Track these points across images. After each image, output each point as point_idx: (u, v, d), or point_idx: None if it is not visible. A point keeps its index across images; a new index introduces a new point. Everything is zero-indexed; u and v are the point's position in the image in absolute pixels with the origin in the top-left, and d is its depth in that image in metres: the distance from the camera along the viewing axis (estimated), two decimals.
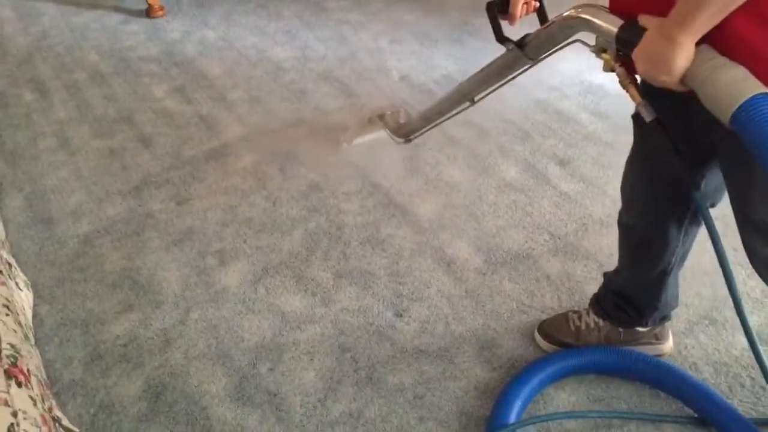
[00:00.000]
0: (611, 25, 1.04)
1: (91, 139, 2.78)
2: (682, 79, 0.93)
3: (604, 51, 1.10)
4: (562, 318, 1.75)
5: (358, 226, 2.21)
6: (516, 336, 1.79)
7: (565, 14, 1.17)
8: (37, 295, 2.00)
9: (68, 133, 2.83)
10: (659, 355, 1.69)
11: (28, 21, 4.01)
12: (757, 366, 1.65)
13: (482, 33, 3.45)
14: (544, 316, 1.83)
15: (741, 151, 0.92)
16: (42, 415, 1.29)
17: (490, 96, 1.65)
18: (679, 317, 1.81)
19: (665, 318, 1.66)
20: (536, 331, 1.77)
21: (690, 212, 1.40)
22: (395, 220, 2.22)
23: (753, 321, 1.77)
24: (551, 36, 1.27)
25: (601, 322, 1.68)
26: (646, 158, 1.37)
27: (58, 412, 1.54)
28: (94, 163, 2.62)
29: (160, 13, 3.91)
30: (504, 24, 1.42)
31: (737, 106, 0.85)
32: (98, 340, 1.86)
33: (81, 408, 1.67)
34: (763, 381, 1.63)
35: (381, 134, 2.50)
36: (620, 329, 1.67)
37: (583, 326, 1.70)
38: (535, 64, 1.40)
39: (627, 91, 1.08)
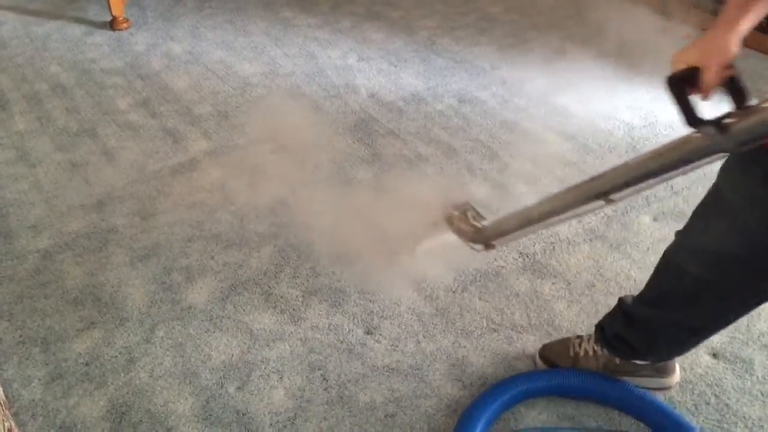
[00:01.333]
0: None
1: (53, 151, 2.71)
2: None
3: None
4: (564, 343, 1.73)
5: (327, 242, 2.19)
6: (487, 354, 1.79)
7: None
8: None
9: (28, 145, 2.75)
10: (663, 389, 1.66)
11: None
12: (721, 384, 1.69)
13: (449, 53, 3.49)
14: (513, 334, 1.85)
15: None
16: None
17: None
18: None
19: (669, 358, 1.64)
20: (537, 354, 1.76)
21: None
22: (365, 237, 2.20)
23: (716, 339, 1.81)
24: None
25: (599, 351, 1.65)
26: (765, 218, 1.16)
27: None
28: (55, 177, 2.55)
29: (125, 25, 3.85)
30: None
31: None
32: (59, 358, 1.80)
33: (41, 429, 1.61)
34: (726, 399, 1.67)
35: (451, 238, 1.90)
36: (617, 360, 1.63)
37: (582, 353, 1.67)
38: (727, 155, 1.08)
39: None
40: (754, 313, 1.68)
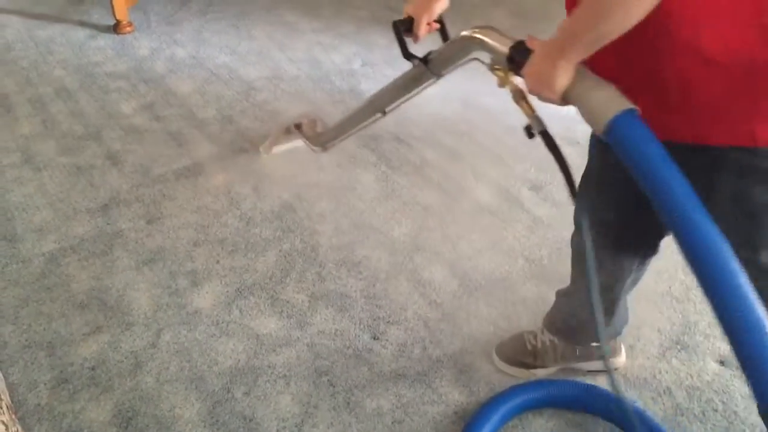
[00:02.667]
0: (503, 45, 1.14)
1: (57, 155, 2.71)
2: (563, 96, 1.03)
3: (498, 69, 1.17)
4: (518, 339, 1.77)
5: (333, 247, 2.19)
6: (494, 360, 1.79)
7: (462, 34, 1.28)
8: (1, 315, 1.93)
9: (33, 148, 2.75)
10: (614, 369, 1.74)
11: None
12: (728, 391, 1.69)
13: None
14: None
15: (702, 182, 0.96)
16: None
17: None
18: (652, 342, 1.84)
19: (616, 334, 1.72)
20: (494, 353, 1.78)
21: (651, 245, 1.44)
22: (370, 242, 2.21)
23: (723, 346, 1.80)
24: (452, 54, 1.40)
25: (556, 340, 1.71)
26: (613, 185, 1.34)
27: None
28: (60, 180, 2.55)
29: (128, 29, 3.85)
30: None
31: (608, 121, 0.95)
32: (65, 362, 1.80)
33: None
34: (734, 405, 1.67)
35: (299, 143, 2.61)
36: (575, 347, 1.70)
37: (539, 345, 1.73)
38: (439, 79, 1.54)
39: (519, 106, 1.14)
40: None
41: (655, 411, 1.64)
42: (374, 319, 1.92)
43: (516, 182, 2.50)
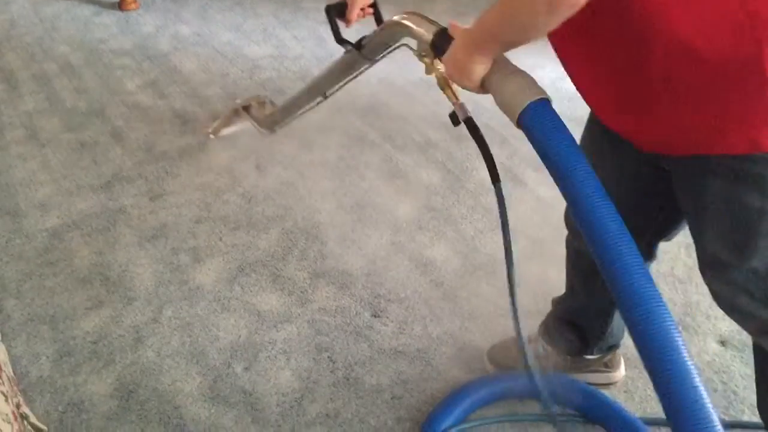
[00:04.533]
0: (427, 32, 1.13)
1: (61, 131, 2.71)
2: (482, 85, 1.03)
3: (425, 56, 1.17)
4: (512, 342, 1.68)
5: (335, 225, 2.19)
6: (494, 338, 1.79)
7: (392, 19, 1.27)
8: (3, 290, 1.94)
9: (37, 124, 2.76)
10: (609, 384, 1.65)
11: None
12: (728, 371, 1.69)
13: None
14: (523, 319, 1.84)
15: (694, 188, 0.96)
16: (13, 412, 1.25)
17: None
18: None
19: (613, 347, 1.63)
20: (485, 356, 1.73)
21: (645, 243, 1.35)
22: (373, 221, 2.21)
23: (724, 327, 1.80)
24: (383, 39, 1.40)
25: (549, 349, 1.64)
26: (605, 179, 1.31)
27: (25, 409, 1.49)
28: (64, 156, 2.55)
29: (133, 5, 3.84)
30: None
31: (521, 110, 0.96)
32: (67, 336, 1.81)
33: (49, 405, 1.62)
34: (734, 386, 1.66)
35: (247, 125, 2.54)
36: (568, 357, 1.63)
37: (532, 351, 1.64)
38: (373, 64, 1.54)
39: (444, 93, 1.15)
40: None
41: (654, 391, 1.64)
42: (375, 297, 1.93)
43: (520, 163, 2.49)
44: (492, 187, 1.10)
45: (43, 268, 2.03)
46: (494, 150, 1.14)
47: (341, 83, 1.76)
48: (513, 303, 1.13)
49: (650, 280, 0.82)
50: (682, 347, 0.78)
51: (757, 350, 1.24)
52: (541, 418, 1.58)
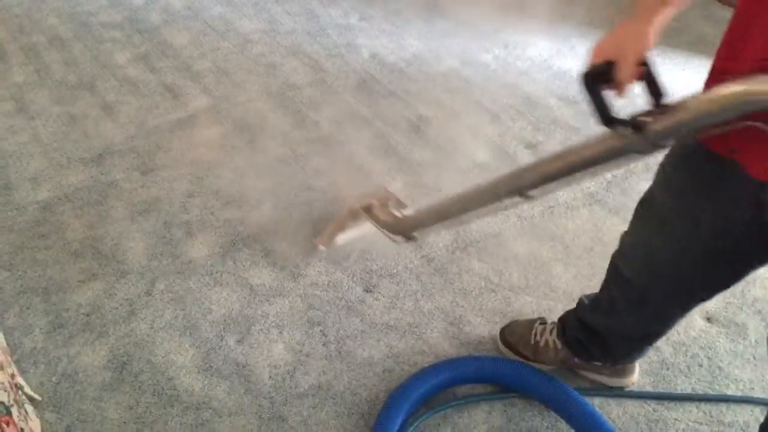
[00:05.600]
0: None
1: (51, 104, 2.69)
2: None
3: None
4: (527, 326, 1.69)
5: (327, 201, 2.20)
6: (484, 313, 1.82)
7: (735, 88, 0.80)
8: None
9: (27, 97, 2.73)
10: (619, 388, 1.64)
11: None
12: (714, 347, 1.72)
13: (452, 14, 3.45)
14: (511, 295, 1.87)
15: None
16: (8, 382, 1.26)
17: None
18: None
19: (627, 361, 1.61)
20: (498, 334, 1.73)
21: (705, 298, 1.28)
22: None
23: (710, 304, 1.83)
24: (700, 118, 0.86)
25: (560, 345, 1.62)
26: (693, 224, 1.10)
27: (20, 380, 1.51)
28: (54, 130, 2.53)
29: None
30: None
31: None
32: (60, 308, 1.81)
33: (43, 376, 1.63)
34: (719, 361, 1.70)
35: (369, 229, 1.93)
36: (576, 358, 1.61)
37: (543, 343, 1.64)
38: (654, 153, 0.98)
39: None
40: (750, 279, 1.70)
41: (640, 364, 1.67)
42: (367, 272, 1.94)
43: (512, 141, 2.50)
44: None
45: (34, 240, 2.02)
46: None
47: (575, 176, 1.11)
48: None
49: None
50: None
51: None
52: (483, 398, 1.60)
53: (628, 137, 0.95)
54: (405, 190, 2.24)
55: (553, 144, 2.47)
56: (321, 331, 1.77)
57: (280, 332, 1.76)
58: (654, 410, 1.59)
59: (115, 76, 2.90)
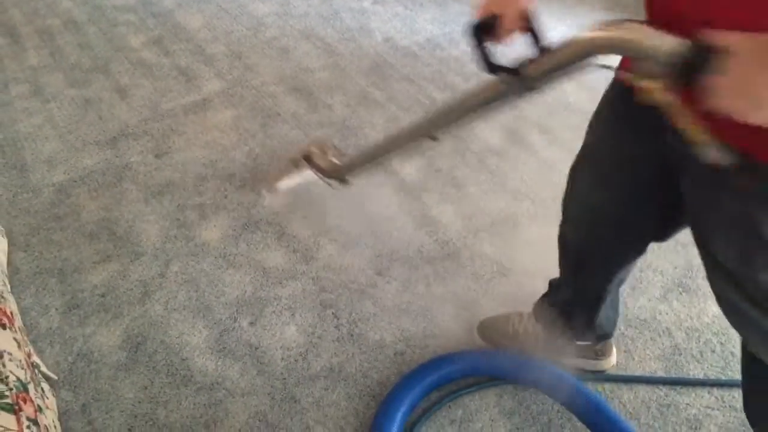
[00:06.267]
0: (668, 46, 0.80)
1: (66, 87, 2.70)
2: None
3: (648, 77, 0.85)
4: (504, 319, 1.69)
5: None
6: (496, 298, 1.82)
7: (589, 35, 0.91)
8: (11, 243, 1.96)
9: (42, 80, 2.75)
10: (599, 371, 1.64)
11: None
12: (727, 333, 1.71)
13: None
14: (524, 279, 1.86)
15: (709, 189, 0.90)
16: (25, 359, 1.28)
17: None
18: (654, 284, 1.86)
19: (605, 336, 1.59)
20: (476, 329, 1.72)
21: (641, 247, 1.31)
22: (378, 180, 2.21)
23: None
24: (565, 61, 0.99)
25: (539, 329, 1.63)
26: (618, 168, 1.17)
27: (36, 359, 1.53)
28: (69, 112, 2.55)
29: None
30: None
31: None
32: (75, 289, 1.83)
33: (59, 356, 1.65)
34: (731, 347, 1.69)
35: (310, 176, 1.97)
36: (557, 340, 1.59)
37: (521, 330, 1.65)
38: (528, 96, 1.12)
39: (686, 130, 0.83)
40: None
41: (653, 351, 1.68)
42: (378, 256, 1.95)
43: (525, 125, 2.49)
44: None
45: (50, 222, 2.04)
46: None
47: (468, 119, 1.27)
48: None
49: None
50: None
51: (746, 355, 1.15)
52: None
53: (509, 82, 1.06)
54: (417, 173, 2.24)
55: (566, 128, 2.45)
56: (333, 313, 1.78)
57: (292, 314, 1.77)
58: (666, 395, 1.59)
59: (129, 59, 2.91)
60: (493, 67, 1.06)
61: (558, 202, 2.10)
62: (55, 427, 1.37)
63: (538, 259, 1.93)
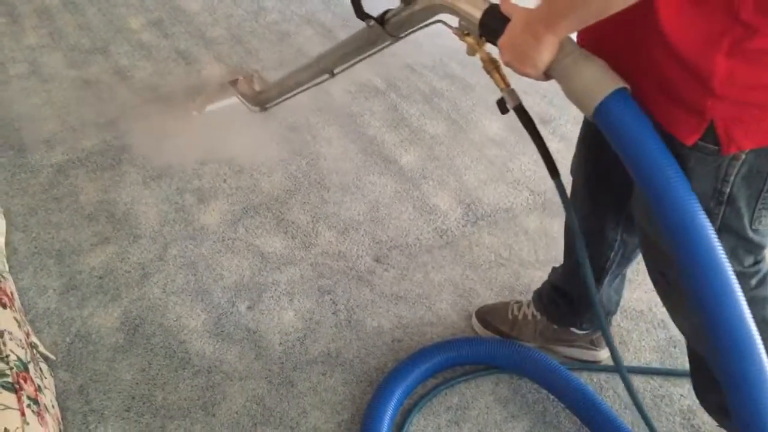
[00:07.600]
0: (475, 9, 1.02)
1: (65, 68, 2.69)
2: (546, 72, 0.93)
3: (468, 35, 1.07)
4: (503, 306, 1.70)
5: (339, 171, 2.20)
6: (494, 287, 1.83)
7: None
8: (10, 223, 1.96)
9: (40, 60, 2.73)
10: (594, 362, 1.64)
11: None
12: None
13: None
14: (521, 269, 1.87)
15: None
16: (25, 339, 1.28)
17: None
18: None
19: (607, 313, 1.60)
20: (474, 315, 1.72)
21: (625, 216, 1.35)
22: (377, 168, 2.22)
23: None
24: (414, 15, 1.24)
25: (538, 316, 1.63)
26: (589, 150, 1.32)
27: (34, 338, 1.53)
28: (67, 93, 2.54)
29: None
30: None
31: (599, 101, 0.87)
32: (74, 270, 1.83)
33: (57, 336, 1.65)
34: None
35: (234, 101, 2.36)
36: (554, 326, 1.61)
37: (521, 317, 1.65)
38: (396, 41, 1.37)
39: (491, 77, 1.05)
40: None
41: (648, 342, 1.69)
42: (377, 243, 1.95)
43: None
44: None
45: (48, 203, 2.04)
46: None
47: (354, 60, 1.57)
48: (592, 299, 1.12)
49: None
50: None
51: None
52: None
53: (376, 29, 1.33)
54: (416, 162, 2.24)
55: (566, 119, 2.46)
56: (331, 299, 1.78)
57: (290, 300, 1.78)
58: (660, 386, 1.60)
59: (128, 41, 2.89)
60: (363, 15, 1.35)
61: (556, 194, 2.11)
62: (53, 406, 1.38)
63: (536, 249, 1.95)
